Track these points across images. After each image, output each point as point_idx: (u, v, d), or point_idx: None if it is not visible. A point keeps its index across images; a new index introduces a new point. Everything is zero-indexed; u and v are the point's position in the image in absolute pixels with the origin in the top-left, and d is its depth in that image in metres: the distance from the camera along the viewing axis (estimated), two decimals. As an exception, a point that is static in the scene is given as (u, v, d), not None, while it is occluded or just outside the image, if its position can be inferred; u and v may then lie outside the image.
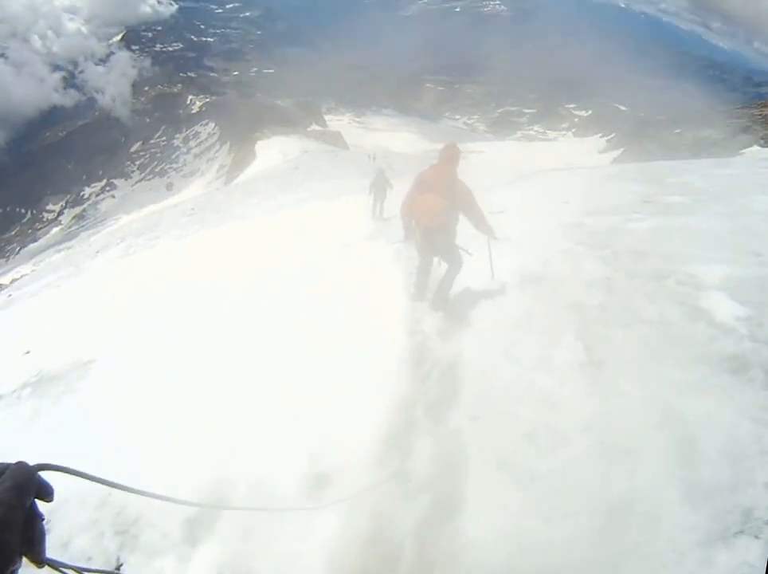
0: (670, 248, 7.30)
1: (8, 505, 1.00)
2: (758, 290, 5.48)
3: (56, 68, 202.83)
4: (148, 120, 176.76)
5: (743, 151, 35.23)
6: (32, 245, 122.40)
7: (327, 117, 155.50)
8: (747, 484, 3.33)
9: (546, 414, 4.38)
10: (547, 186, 17.51)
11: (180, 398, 6.20)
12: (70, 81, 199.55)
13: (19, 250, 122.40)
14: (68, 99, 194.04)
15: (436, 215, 6.18)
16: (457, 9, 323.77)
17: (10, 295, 25.60)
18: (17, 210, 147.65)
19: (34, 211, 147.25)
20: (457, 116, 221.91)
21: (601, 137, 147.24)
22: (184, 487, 4.45)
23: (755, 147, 35.94)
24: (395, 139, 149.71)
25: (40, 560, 1.10)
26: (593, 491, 3.60)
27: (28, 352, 10.59)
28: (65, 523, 4.47)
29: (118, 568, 4.00)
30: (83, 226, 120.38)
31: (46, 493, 1.11)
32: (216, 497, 4.41)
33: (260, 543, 3.94)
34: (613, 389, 4.48)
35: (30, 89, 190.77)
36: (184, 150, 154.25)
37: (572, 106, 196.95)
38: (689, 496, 3.37)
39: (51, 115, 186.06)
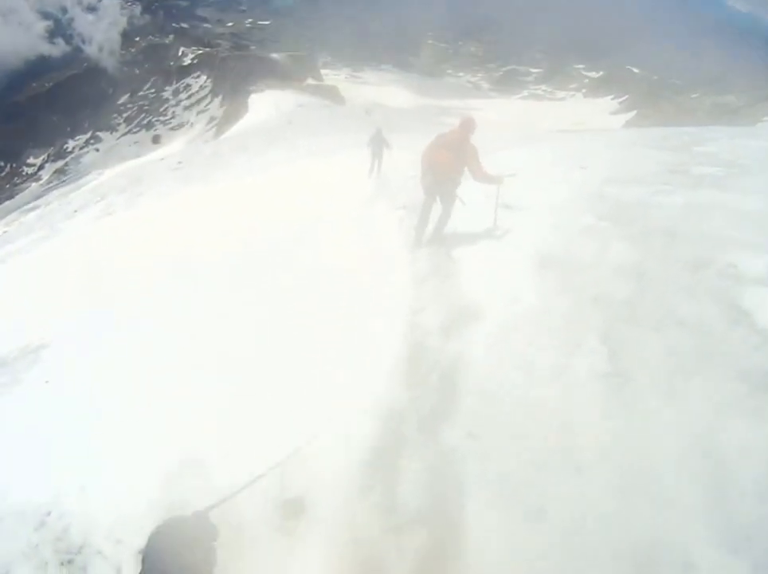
0: (706, 229, 6.59)
1: None
2: (805, 289, 4.88)
3: (44, 15, 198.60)
4: (137, 72, 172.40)
5: (765, 118, 34.40)
6: (7, 203, 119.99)
7: (323, 72, 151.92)
8: (789, 523, 2.90)
9: (558, 437, 3.86)
10: (561, 150, 16.56)
11: (137, 393, 5.72)
12: (58, 30, 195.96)
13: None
14: (56, 49, 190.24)
15: (444, 166, 7.68)
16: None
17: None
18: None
19: (14, 165, 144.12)
20: (460, 74, 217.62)
21: (612, 99, 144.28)
22: (135, 506, 4.06)
23: (777, 116, 35.11)
24: (393, 95, 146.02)
25: None
26: (615, 531, 3.14)
27: (-23, 339, 10.01)
28: (3, 548, 4.09)
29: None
30: (63, 181, 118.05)
31: None
32: (173, 519, 3.90)
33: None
34: (638, 409, 3.94)
35: (17, 39, 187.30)
36: (173, 102, 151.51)
37: (581, 66, 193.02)
38: (726, 537, 2.97)
39: (38, 66, 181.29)
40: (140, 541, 3.79)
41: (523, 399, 4.31)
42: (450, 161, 7.62)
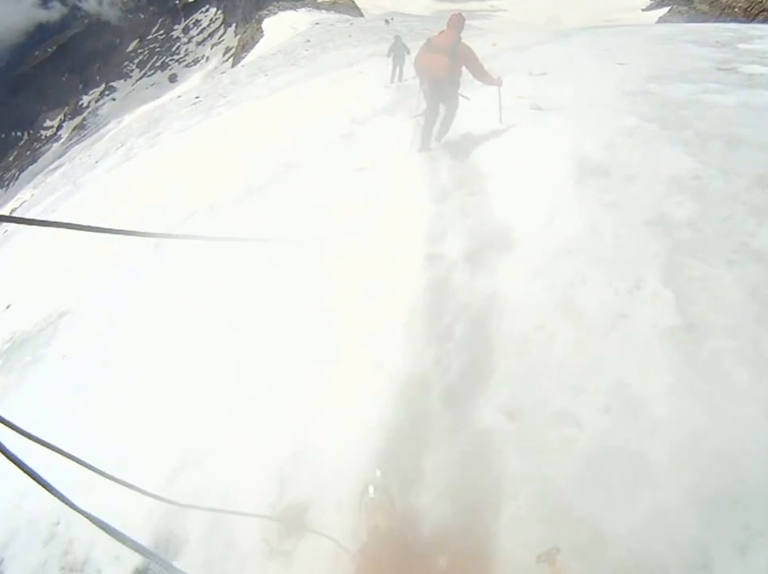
0: (769, 135, 5.64)
1: None
2: None
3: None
4: (143, 17, 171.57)
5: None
6: (31, 168, 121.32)
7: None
8: None
9: (620, 422, 3.01)
10: (595, 46, 15.29)
11: (148, 365, 5.36)
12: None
13: (18, 175, 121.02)
14: (53, 13, 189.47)
15: (438, 68, 7.36)
16: None
17: (6, 230, 24.58)
18: (13, 134, 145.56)
19: (31, 131, 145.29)
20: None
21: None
22: (134, 514, 3.57)
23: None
24: (413, 3, 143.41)
25: None
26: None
27: (8, 307, 9.87)
28: (15, 565, 3.93)
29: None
30: (84, 136, 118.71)
31: None
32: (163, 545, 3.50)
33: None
34: (720, 382, 3.04)
35: (9, 13, 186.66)
36: (185, 40, 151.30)
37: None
38: None
39: (38, 34, 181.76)
40: (136, 559, 3.41)
41: (573, 361, 3.45)
42: (442, 63, 7.34)
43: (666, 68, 9.68)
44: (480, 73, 7.37)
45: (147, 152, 22.59)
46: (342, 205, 6.91)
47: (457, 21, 7.42)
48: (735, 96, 7.24)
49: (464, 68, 7.45)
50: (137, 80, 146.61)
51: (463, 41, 7.36)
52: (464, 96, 7.76)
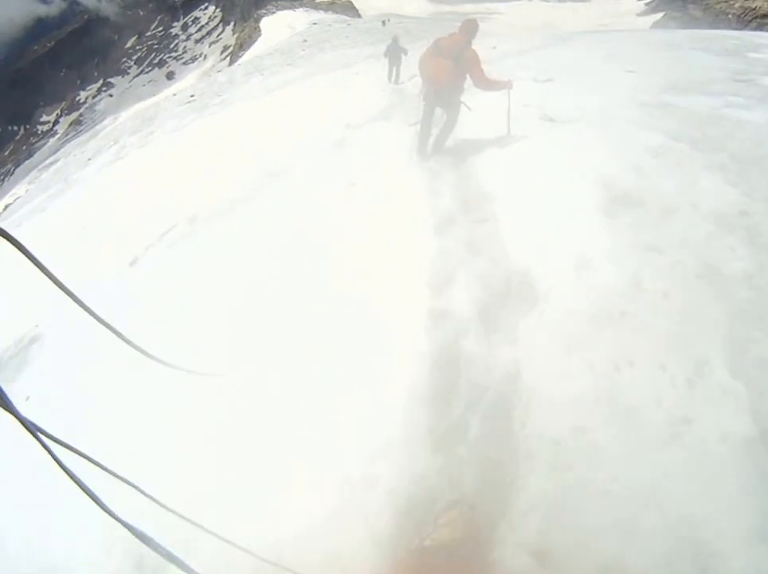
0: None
1: None
2: None
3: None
4: (142, 13, 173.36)
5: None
6: (27, 163, 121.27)
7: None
8: None
9: None
10: (597, 50, 14.58)
11: (104, 427, 4.33)
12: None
13: (13, 170, 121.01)
14: (53, 8, 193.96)
15: (442, 74, 7.06)
16: None
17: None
18: (9, 128, 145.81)
19: (27, 126, 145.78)
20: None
21: (638, 0, 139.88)
22: None
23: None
24: (410, 5, 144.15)
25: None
26: None
27: (-16, 323, 8.99)
28: None
29: None
30: (80, 132, 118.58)
31: None
32: None
33: None
34: None
35: (9, 6, 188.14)
36: (183, 37, 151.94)
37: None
38: None
39: (37, 29, 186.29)
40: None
41: (621, 490, 2.56)
42: (450, 70, 7.02)
43: (679, 77, 9.02)
44: (482, 81, 6.95)
45: (138, 152, 21.90)
46: (328, 230, 6.03)
47: (470, 28, 7.05)
48: (762, 113, 6.58)
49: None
50: (134, 77, 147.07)
51: (472, 47, 6.98)
52: (465, 106, 7.33)
